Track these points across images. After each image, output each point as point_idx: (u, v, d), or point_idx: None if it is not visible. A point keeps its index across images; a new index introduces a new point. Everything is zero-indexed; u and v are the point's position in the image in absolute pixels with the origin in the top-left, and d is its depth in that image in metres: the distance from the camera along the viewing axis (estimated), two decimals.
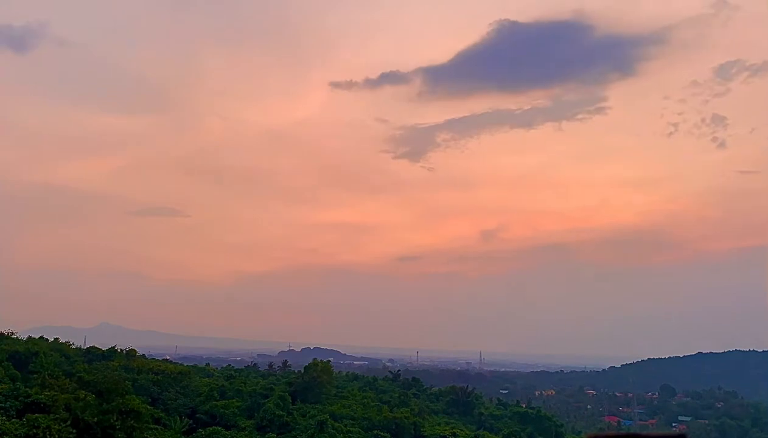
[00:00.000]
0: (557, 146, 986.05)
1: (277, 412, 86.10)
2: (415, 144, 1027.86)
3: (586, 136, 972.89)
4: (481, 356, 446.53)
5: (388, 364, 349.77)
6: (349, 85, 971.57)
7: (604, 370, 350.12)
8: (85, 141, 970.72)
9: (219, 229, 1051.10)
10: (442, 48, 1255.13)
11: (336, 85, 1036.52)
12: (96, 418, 60.03)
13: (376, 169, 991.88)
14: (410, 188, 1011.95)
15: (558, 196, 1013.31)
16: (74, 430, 55.96)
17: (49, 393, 62.36)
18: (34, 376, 73.84)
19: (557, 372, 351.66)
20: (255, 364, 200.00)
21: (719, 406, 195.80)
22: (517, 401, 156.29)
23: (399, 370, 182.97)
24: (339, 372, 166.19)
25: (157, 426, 69.53)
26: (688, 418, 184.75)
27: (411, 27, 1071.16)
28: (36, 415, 54.52)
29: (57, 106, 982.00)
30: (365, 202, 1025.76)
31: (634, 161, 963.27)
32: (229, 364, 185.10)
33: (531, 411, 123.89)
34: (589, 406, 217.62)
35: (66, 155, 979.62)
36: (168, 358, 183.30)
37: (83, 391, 65.28)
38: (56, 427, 53.73)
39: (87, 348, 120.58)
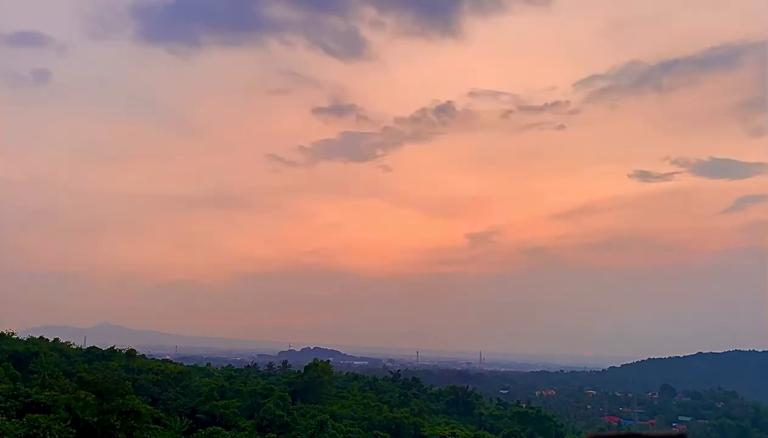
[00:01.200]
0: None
1: (277, 412, 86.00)
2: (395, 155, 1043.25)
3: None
4: (481, 356, 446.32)
5: (388, 364, 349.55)
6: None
7: (604, 370, 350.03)
8: (89, 147, 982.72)
9: (220, 231, 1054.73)
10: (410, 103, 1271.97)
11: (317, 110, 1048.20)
12: (96, 418, 59.98)
13: (371, 175, 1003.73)
14: (405, 191, 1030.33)
15: (555, 197, 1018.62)
16: (74, 430, 55.91)
17: (49, 393, 62.34)
18: (34, 376, 73.81)
19: (557, 372, 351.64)
20: (255, 364, 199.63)
21: (719, 406, 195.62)
22: (517, 401, 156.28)
23: (399, 370, 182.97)
24: (339, 372, 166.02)
25: (157, 426, 69.40)
26: (688, 418, 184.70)
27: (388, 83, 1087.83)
28: (36, 415, 54.47)
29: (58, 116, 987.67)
30: (363, 205, 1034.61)
31: (633, 159, 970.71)
32: (229, 364, 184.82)
33: (531, 411, 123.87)
34: (589, 406, 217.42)
35: (70, 161, 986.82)
36: (168, 358, 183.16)
37: (83, 391, 65.16)
38: (56, 427, 53.70)
39: (87, 348, 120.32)
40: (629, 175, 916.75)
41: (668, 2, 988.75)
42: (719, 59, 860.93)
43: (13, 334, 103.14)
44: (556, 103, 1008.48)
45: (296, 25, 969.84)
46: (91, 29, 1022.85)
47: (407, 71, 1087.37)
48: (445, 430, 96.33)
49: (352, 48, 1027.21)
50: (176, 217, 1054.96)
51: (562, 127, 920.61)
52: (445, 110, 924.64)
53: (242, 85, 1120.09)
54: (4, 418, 54.25)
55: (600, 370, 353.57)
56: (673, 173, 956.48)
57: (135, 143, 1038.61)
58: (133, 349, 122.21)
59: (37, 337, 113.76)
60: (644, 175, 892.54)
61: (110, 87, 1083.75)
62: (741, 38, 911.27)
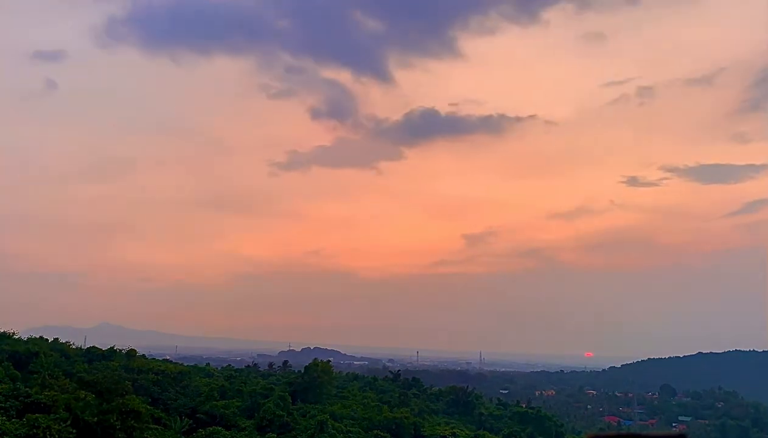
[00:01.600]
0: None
1: (277, 412, 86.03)
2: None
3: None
4: (481, 356, 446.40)
5: (388, 364, 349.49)
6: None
7: (604, 370, 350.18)
8: (90, 151, 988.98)
9: (221, 232, 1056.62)
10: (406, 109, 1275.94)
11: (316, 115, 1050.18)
12: (96, 418, 60.01)
13: (370, 178, 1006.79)
14: (405, 192, 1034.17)
15: (556, 196, 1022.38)
16: (74, 430, 55.95)
17: (49, 393, 62.40)
18: (34, 376, 73.82)
19: (557, 372, 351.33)
20: (255, 364, 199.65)
21: (719, 406, 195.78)
22: (517, 401, 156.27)
23: (399, 370, 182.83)
24: (339, 372, 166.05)
25: (157, 426, 69.48)
26: (688, 418, 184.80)
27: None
28: (36, 415, 54.53)
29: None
30: (362, 206, 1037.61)
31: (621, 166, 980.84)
32: (229, 364, 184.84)
33: (531, 411, 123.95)
34: (589, 406, 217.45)
35: (71, 164, 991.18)
36: (168, 358, 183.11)
37: (83, 391, 65.22)
38: (56, 427, 53.74)
39: (87, 348, 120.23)
40: (619, 181, 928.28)
41: (654, 19, 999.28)
42: (703, 72, 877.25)
43: (13, 334, 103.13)
44: (545, 112, 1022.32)
45: (297, 32, 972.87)
46: (96, 38, 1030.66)
47: (404, 80, 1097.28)
48: (445, 430, 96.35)
49: (352, 56, 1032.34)
50: (177, 219, 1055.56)
51: (551, 132, 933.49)
52: (440, 116, 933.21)
53: (243, 89, 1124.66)
54: (4, 418, 54.31)
55: (600, 370, 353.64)
56: (662, 179, 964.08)
57: (136, 146, 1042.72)
58: (133, 349, 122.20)
59: (37, 337, 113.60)
60: (634, 181, 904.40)
61: (113, 93, 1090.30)
62: (724, 54, 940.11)
